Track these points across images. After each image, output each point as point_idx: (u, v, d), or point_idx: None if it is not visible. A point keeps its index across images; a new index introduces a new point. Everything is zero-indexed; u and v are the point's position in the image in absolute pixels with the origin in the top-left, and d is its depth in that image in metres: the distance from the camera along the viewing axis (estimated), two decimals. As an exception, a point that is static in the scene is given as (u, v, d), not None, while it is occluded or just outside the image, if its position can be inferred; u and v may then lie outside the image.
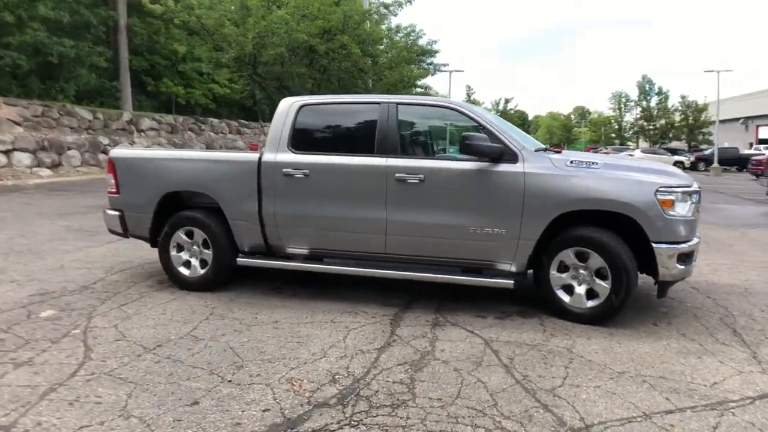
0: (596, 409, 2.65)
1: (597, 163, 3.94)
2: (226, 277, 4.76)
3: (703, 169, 30.72)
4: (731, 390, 2.86)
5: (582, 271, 3.91)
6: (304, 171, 4.33)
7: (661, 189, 3.71)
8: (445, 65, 16.32)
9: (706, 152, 33.09)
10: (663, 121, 39.97)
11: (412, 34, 15.53)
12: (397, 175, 4.12)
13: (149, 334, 3.63)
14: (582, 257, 3.87)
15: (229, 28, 11.27)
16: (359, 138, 4.46)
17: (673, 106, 40.40)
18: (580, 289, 3.91)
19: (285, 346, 3.46)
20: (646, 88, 40.76)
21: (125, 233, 5.03)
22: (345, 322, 3.92)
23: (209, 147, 24.27)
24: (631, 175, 3.86)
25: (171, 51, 24.29)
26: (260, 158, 4.50)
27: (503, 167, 3.95)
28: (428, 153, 4.58)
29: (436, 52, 14.29)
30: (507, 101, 68.12)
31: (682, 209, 3.74)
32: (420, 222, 4.12)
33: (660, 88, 40.31)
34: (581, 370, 3.10)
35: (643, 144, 42.56)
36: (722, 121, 39.29)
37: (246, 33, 11.03)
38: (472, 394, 2.79)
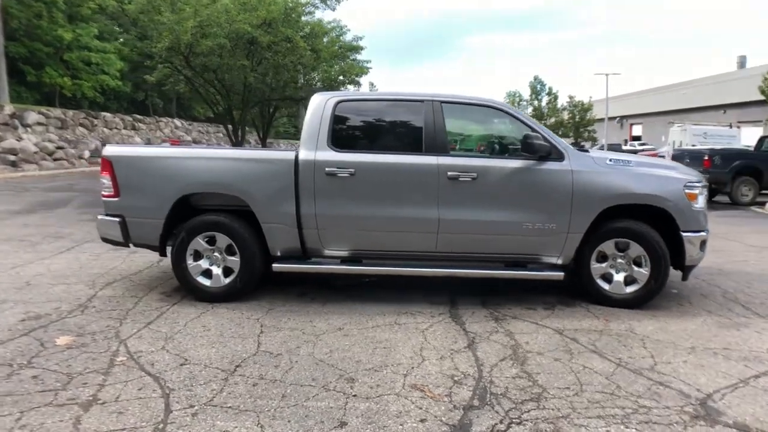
0: (701, 380, 2.99)
1: (630, 162, 4.36)
2: (254, 285, 4.46)
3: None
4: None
5: (620, 260, 4.31)
6: (350, 170, 4.21)
7: (687, 184, 4.23)
8: (368, 62, 16.47)
9: (596, 148, 37.22)
10: (553, 120, 44.23)
11: (336, 29, 15.45)
12: (449, 173, 4.18)
13: (214, 355, 3.30)
14: (621, 247, 4.27)
15: (165, 15, 10.23)
16: (405, 136, 4.43)
17: (561, 105, 44.89)
18: (618, 277, 4.31)
19: (374, 352, 3.37)
20: (537, 89, 44.78)
21: (126, 241, 4.47)
22: (410, 324, 3.90)
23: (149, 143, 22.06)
24: (662, 172, 4.34)
25: (55, 37, 21.46)
26: (296, 157, 4.28)
27: (551, 165, 4.20)
28: (473, 151, 4.68)
29: (362, 48, 14.38)
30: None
31: (702, 201, 4.29)
32: (473, 219, 4.22)
33: (550, 89, 44.58)
34: (659, 349, 3.44)
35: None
36: (602, 120, 44.42)
37: (183, 21, 10.09)
38: (592, 380, 2.98)
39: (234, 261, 4.36)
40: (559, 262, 4.31)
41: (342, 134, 4.35)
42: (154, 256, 5.77)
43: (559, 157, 4.21)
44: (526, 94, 45.44)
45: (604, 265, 4.33)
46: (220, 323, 3.89)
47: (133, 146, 5.85)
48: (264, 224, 4.29)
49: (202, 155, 4.52)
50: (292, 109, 15.29)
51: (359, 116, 4.47)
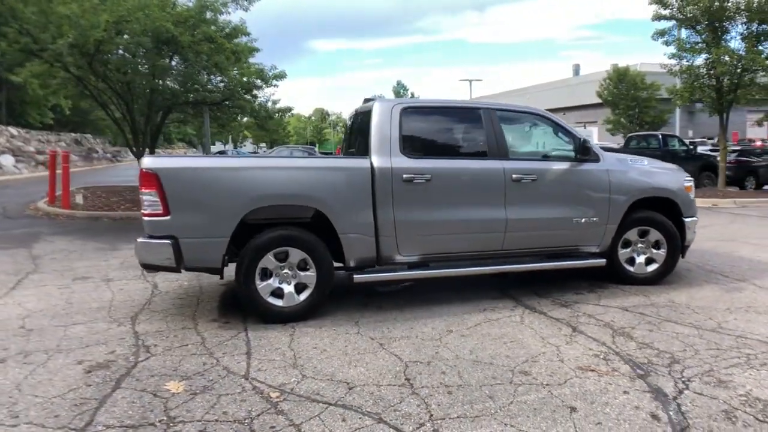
0: (761, 329, 3.88)
1: (643, 161, 5.27)
2: (325, 299, 4.32)
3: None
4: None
5: (640, 245, 5.18)
6: (426, 176, 4.36)
7: (686, 179, 5.28)
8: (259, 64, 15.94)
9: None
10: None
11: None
12: (514, 176, 4.60)
13: (371, 373, 3.22)
14: (642, 234, 5.14)
15: (69, 6, 8.50)
16: (470, 142, 4.73)
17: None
18: (640, 259, 5.19)
19: (509, 347, 3.61)
20: (400, 93, 47.53)
21: (178, 266, 3.98)
22: (502, 318, 4.22)
23: None
24: (666, 169, 5.32)
25: None
26: (371, 164, 4.28)
27: (591, 166, 4.89)
28: (524, 154, 5.10)
29: (257, 50, 13.96)
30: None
31: (693, 192, 5.39)
32: (534, 217, 4.70)
33: (412, 93, 47.63)
34: (708, 313, 4.31)
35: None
36: None
37: (90, 16, 8.48)
38: (693, 342, 3.65)
39: (309, 276, 4.19)
40: (598, 250, 5.02)
41: (411, 141, 4.48)
42: (135, 282, 5.52)
43: (597, 158, 4.92)
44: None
45: (628, 250, 5.17)
46: (327, 342, 3.75)
47: (183, 158, 5.17)
48: (342, 234, 4.21)
49: (276, 165, 4.28)
50: (192, 114, 13.97)
51: (423, 123, 4.64)
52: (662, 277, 5.21)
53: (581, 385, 3.04)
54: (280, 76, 12.02)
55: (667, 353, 3.50)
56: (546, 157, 4.92)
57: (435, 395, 2.93)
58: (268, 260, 4.10)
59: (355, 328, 4.04)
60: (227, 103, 11.94)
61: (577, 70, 60.70)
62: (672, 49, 14.95)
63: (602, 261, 4.99)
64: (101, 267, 6.38)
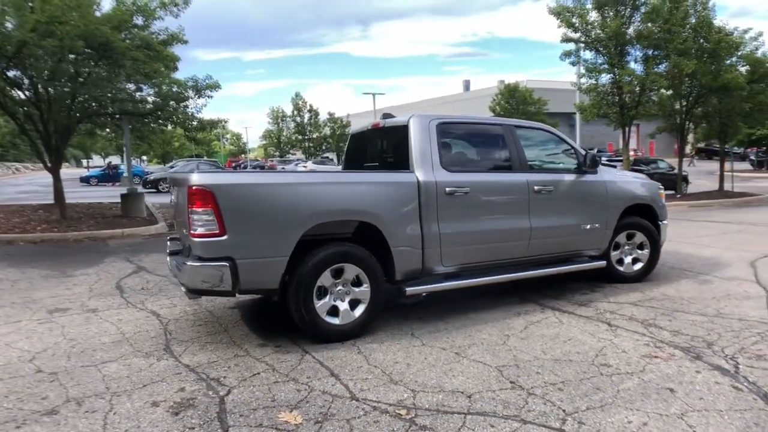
0: (754, 312, 4.68)
1: (627, 173, 6.02)
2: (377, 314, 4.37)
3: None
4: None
5: (627, 247, 5.90)
6: (465, 189, 4.63)
7: (659, 188, 6.13)
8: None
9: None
10: (316, 135, 47.36)
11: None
12: (535, 188, 5.04)
13: (470, 382, 3.40)
14: (629, 237, 5.87)
15: None
16: (497, 156, 5.07)
17: (323, 121, 48.38)
18: (628, 259, 5.92)
19: (572, 344, 4.00)
20: (299, 105, 47.19)
21: (233, 289, 3.79)
22: (543, 320, 4.61)
23: None
24: (645, 180, 6.12)
25: None
26: (417, 178, 4.44)
27: (593, 177, 5.51)
28: (540, 168, 5.50)
29: (178, 59, 13.22)
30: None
31: (664, 199, 6.26)
32: (552, 225, 5.18)
33: (311, 105, 47.54)
34: (702, 302, 5.07)
35: (301, 155, 49.22)
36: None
37: (11, 15, 7.25)
38: (712, 327, 4.32)
39: (363, 292, 4.23)
40: (596, 254, 5.65)
41: (447, 155, 4.71)
42: (128, 311, 5.25)
43: (596, 170, 5.55)
44: (288, 110, 47.37)
45: (618, 252, 5.87)
46: (402, 356, 3.84)
47: (236, 173, 4.76)
48: (394, 248, 4.32)
49: (333, 180, 4.23)
50: (110, 125, 12.58)
51: (455, 138, 4.90)
52: (646, 274, 5.99)
53: (659, 370, 3.50)
54: (214, 86, 11.51)
55: (699, 337, 4.12)
56: (557, 170, 5.44)
57: (549, 393, 3.19)
58: (326, 277, 4.08)
59: (417, 341, 4.16)
60: (159, 114, 11.13)
61: (467, 85, 65.15)
62: (576, 69, 16.88)
63: (603, 263, 5.63)
64: (69, 296, 5.78)
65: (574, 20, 16.09)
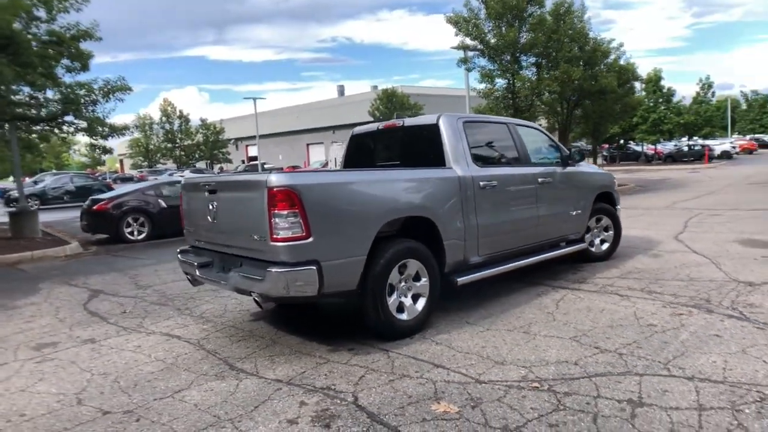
0: (719, 275, 5.72)
1: (592, 166, 6.90)
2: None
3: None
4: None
5: (595, 230, 6.78)
6: (493, 183, 5.03)
7: (615, 178, 7.12)
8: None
9: (239, 169, 40.17)
10: (187, 142, 44.44)
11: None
12: (540, 179, 5.62)
13: (577, 354, 3.78)
14: (598, 220, 6.75)
15: None
16: (508, 151, 5.52)
17: (194, 128, 45.52)
18: (597, 240, 6.79)
19: (619, 315, 4.59)
20: (168, 111, 43.85)
21: (318, 293, 3.74)
22: (571, 297, 5.18)
23: None
24: (605, 171, 7.06)
25: None
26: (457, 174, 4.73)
27: (575, 169, 6.25)
28: (537, 161, 6.00)
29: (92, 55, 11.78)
30: None
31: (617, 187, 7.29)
32: (551, 213, 5.82)
33: (181, 111, 44.47)
34: (670, 272, 6.06)
35: (171, 165, 45.84)
36: (224, 141, 47.83)
37: None
38: (698, 287, 5.25)
39: (422, 286, 4.43)
40: (577, 237, 6.42)
41: (473, 151, 5.06)
42: (132, 336, 5.24)
43: (576, 163, 6.31)
44: (156, 116, 43.88)
45: (589, 235, 6.72)
46: (482, 342, 4.14)
47: (314, 173, 4.26)
48: (446, 242, 4.57)
49: (398, 177, 4.30)
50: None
51: (477, 135, 5.25)
52: (612, 253, 6.95)
53: (693, 324, 4.23)
54: (125, 89, 10.50)
55: (695, 297, 4.99)
56: (550, 163, 6.09)
57: (634, 351, 3.74)
58: (394, 274, 4.20)
59: (477, 327, 4.47)
60: (66, 119, 9.77)
61: (341, 90, 66.26)
62: (465, 76, 18.34)
63: (584, 245, 6.42)
64: (40, 330, 5.27)
65: (470, 29, 17.55)
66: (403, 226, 4.52)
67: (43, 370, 4.09)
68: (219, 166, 48.01)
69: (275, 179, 3.66)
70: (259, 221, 3.73)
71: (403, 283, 4.34)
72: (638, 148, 38.42)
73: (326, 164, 35.95)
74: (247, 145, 67.31)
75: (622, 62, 19.38)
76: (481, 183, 4.94)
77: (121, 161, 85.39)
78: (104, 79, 10.07)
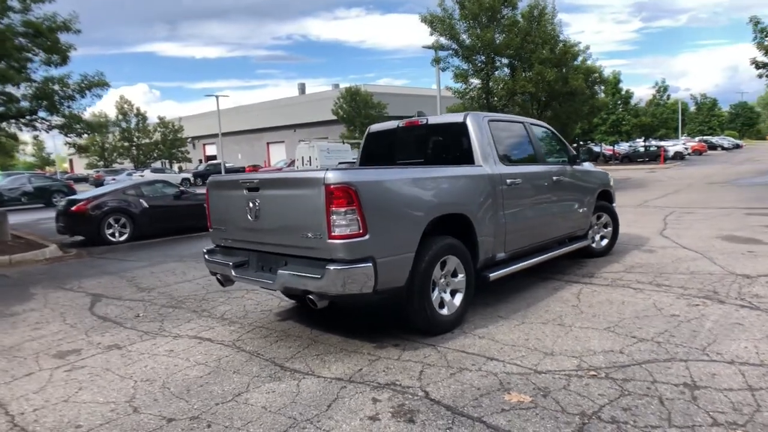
0: (715, 268, 6.13)
1: (592, 165, 7.22)
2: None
3: (202, 183, 36.36)
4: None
5: (596, 227, 7.11)
6: (518, 180, 5.22)
7: (610, 176, 7.47)
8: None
9: (200, 168, 39.27)
10: (145, 141, 42.94)
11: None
12: (554, 177, 5.86)
13: (618, 344, 4.00)
14: (598, 218, 7.07)
15: None
16: (525, 149, 5.72)
17: (152, 126, 44.03)
18: (597, 237, 7.12)
19: (636, 303, 4.85)
20: (124, 108, 42.18)
21: (374, 291, 3.81)
22: (584, 290, 5.44)
23: None
24: (603, 170, 7.39)
25: None
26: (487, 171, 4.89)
27: (580, 168, 6.53)
28: (549, 160, 6.21)
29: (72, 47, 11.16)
30: None
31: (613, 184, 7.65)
32: (563, 211, 6.09)
33: (138, 109, 42.86)
34: (675, 265, 6.43)
35: (129, 165, 44.17)
36: (183, 139, 46.59)
37: None
38: (702, 279, 5.61)
39: (460, 282, 4.56)
40: (581, 234, 6.72)
41: (500, 150, 5.23)
42: (160, 341, 5.26)
43: (581, 162, 6.60)
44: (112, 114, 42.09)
45: (590, 231, 7.03)
46: (522, 335, 4.32)
47: (367, 170, 4.15)
48: (479, 238, 4.72)
49: (440, 175, 4.39)
50: None
51: (500, 134, 5.41)
52: (610, 249, 7.30)
53: (712, 313, 4.55)
54: (103, 84, 10.11)
55: (702, 289, 5.34)
56: (560, 161, 6.34)
57: (669, 339, 4.00)
58: (436, 271, 4.30)
59: (512, 321, 4.65)
60: (32, 117, 9.28)
61: (302, 89, 65.64)
62: (437, 75, 18.62)
63: (589, 241, 6.73)
64: (52, 336, 5.11)
65: (444, 29, 17.83)
66: (438, 224, 4.65)
67: (78, 378, 3.97)
68: (178, 165, 46.64)
69: (332, 176, 3.69)
70: (314, 219, 3.76)
71: (443, 279, 4.46)
72: (597, 149, 39.96)
73: (291, 164, 35.53)
74: (204, 144, 65.77)
75: (589, 63, 20.24)
76: (508, 181, 5.12)
77: (71, 161, 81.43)
78: (81, 74, 9.70)
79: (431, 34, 18.16)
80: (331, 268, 3.69)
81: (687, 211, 11.58)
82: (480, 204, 4.77)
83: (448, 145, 5.34)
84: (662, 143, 38.80)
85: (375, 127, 6.13)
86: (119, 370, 4.07)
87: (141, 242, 10.98)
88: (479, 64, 17.45)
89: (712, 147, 56.43)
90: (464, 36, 17.45)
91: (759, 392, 3.11)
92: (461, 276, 4.58)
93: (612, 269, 6.45)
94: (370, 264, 3.76)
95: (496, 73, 17.72)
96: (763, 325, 4.22)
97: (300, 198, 3.90)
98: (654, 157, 37.08)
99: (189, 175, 36.34)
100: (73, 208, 10.39)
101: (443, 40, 17.94)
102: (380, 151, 6.04)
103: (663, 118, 35.15)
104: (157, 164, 44.60)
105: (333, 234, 3.70)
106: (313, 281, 3.77)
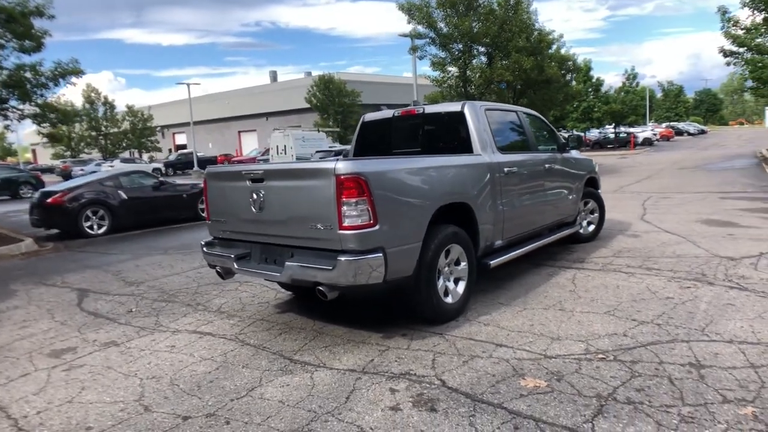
0: (700, 251, 6.32)
1: (578, 153, 7.32)
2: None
3: (173, 173, 35.56)
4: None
5: (583, 213, 7.24)
6: (514, 168, 5.27)
7: (595, 162, 7.59)
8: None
9: (171, 158, 38.39)
10: (114, 130, 41.59)
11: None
12: (546, 165, 5.93)
13: (620, 328, 4.10)
14: (585, 204, 7.20)
15: None
16: (519, 137, 5.76)
17: (121, 115, 42.63)
18: (585, 222, 7.26)
19: (628, 288, 4.98)
20: (92, 97, 40.62)
21: (384, 281, 3.80)
22: (581, 276, 5.53)
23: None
24: (588, 157, 7.51)
25: None
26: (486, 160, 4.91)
27: (568, 155, 6.62)
28: (540, 147, 6.25)
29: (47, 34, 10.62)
30: None
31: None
32: (554, 198, 6.18)
33: (106, 98, 41.35)
34: (662, 249, 6.61)
35: (97, 155, 42.71)
36: (152, 128, 45.39)
37: None
38: (689, 263, 5.79)
39: (462, 270, 4.60)
40: (571, 220, 6.84)
41: (497, 138, 5.26)
42: (159, 336, 5.22)
43: (569, 150, 6.69)
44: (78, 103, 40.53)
45: (578, 217, 7.17)
46: (527, 321, 4.38)
47: (376, 160, 4.05)
48: (481, 226, 4.75)
49: (444, 164, 4.38)
50: None
51: (496, 122, 5.44)
52: (596, 234, 7.46)
53: (704, 295, 4.71)
54: (77, 72, 9.72)
55: (690, 272, 5.52)
56: (551, 149, 6.41)
57: (668, 321, 4.13)
58: (441, 259, 4.32)
59: (514, 308, 4.72)
60: (13, 104, 8.85)
61: (274, 76, 64.55)
62: (413, 62, 18.60)
63: (578, 228, 6.85)
64: (43, 334, 4.98)
65: (422, 17, 17.76)
66: (442, 213, 4.65)
67: (79, 378, 3.86)
68: (150, 155, 45.37)
69: (343, 166, 3.66)
70: (324, 209, 3.72)
71: (447, 268, 4.49)
72: (566, 136, 40.71)
73: (265, 152, 34.99)
74: (174, 133, 64.23)
75: (563, 52, 20.52)
76: (505, 169, 5.16)
77: (34, 151, 78.31)
78: (55, 61, 9.29)
79: (409, 23, 18.12)
80: (343, 259, 3.66)
81: (663, 196, 11.91)
82: (480, 192, 4.79)
83: (446, 134, 5.34)
84: (632, 130, 39.78)
85: (369, 116, 6.08)
86: (121, 368, 3.98)
87: (120, 235, 10.71)
88: (456, 53, 17.49)
89: (679, 133, 58.11)
90: (442, 24, 17.45)
91: (761, 369, 3.24)
92: (464, 264, 4.61)
93: (601, 254, 6.59)
94: (381, 254, 3.75)
95: (474, 61, 17.80)
96: (754, 305, 4.39)
97: (309, 189, 3.85)
98: (624, 143, 37.97)
99: (160, 165, 35.43)
100: (49, 200, 10.03)
101: (420, 29, 17.91)
102: (375, 140, 6.00)
103: (633, 105, 35.97)
104: (126, 154, 43.36)
105: (344, 225, 3.67)
106: (323, 272, 3.73)
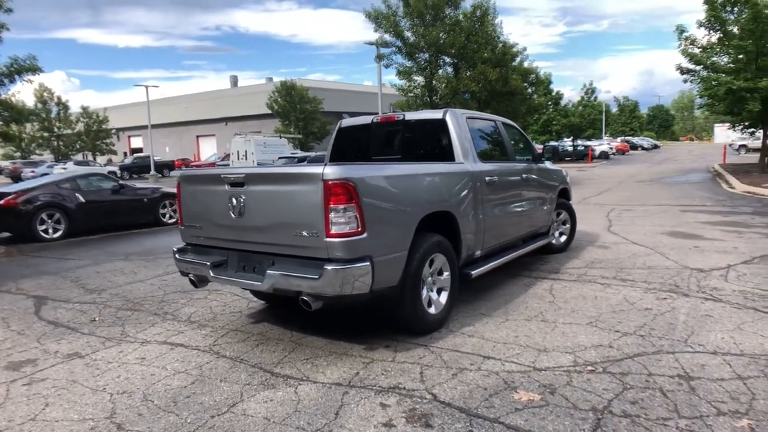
0: (668, 263, 6.46)
1: (550, 163, 7.40)
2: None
3: (129, 177, 34.27)
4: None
5: (556, 224, 7.31)
6: (495, 178, 5.24)
7: (566, 173, 7.69)
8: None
9: (127, 161, 36.96)
10: (67, 132, 39.73)
11: None
12: (523, 175, 5.94)
13: (606, 340, 4.08)
14: (558, 215, 7.27)
15: None
16: (500, 147, 5.74)
17: (75, 116, 40.74)
18: (557, 233, 7.32)
19: (604, 298, 5.01)
20: (44, 97, 38.65)
21: (370, 291, 3.67)
22: (558, 287, 5.54)
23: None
24: (560, 168, 7.60)
25: None
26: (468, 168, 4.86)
27: (542, 166, 6.67)
28: (517, 157, 6.24)
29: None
30: None
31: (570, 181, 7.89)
32: (530, 208, 6.18)
33: (59, 98, 39.50)
34: (633, 260, 6.72)
35: (48, 156, 40.65)
36: (107, 130, 43.75)
37: None
38: (660, 273, 5.90)
39: (445, 280, 4.52)
40: (545, 231, 6.88)
41: (478, 147, 5.22)
42: (127, 348, 5.02)
43: (543, 160, 6.74)
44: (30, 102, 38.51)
45: (550, 228, 7.22)
46: (512, 331, 4.33)
47: (364, 165, 3.75)
48: (463, 235, 4.68)
49: (430, 171, 4.27)
50: None
51: (477, 131, 5.40)
52: (568, 245, 7.54)
53: (682, 307, 4.78)
54: (34, 69, 9.17)
55: (664, 283, 5.61)
56: (526, 159, 6.44)
57: (651, 332, 4.15)
58: (426, 269, 4.21)
59: (496, 319, 4.66)
60: None
61: (235, 81, 63.43)
62: (379, 70, 18.65)
63: (551, 238, 6.90)
64: (8, 344, 4.54)
65: (389, 26, 17.79)
66: (426, 222, 4.55)
67: (41, 392, 3.54)
68: (108, 158, 43.60)
69: (331, 171, 3.50)
70: (310, 216, 3.56)
71: (430, 278, 4.39)
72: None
73: (225, 158, 34.19)
74: (129, 136, 62.09)
75: (526, 65, 20.97)
76: (486, 178, 5.12)
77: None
78: (11, 57, 8.73)
79: (375, 30, 18.11)
80: (329, 267, 3.50)
81: (626, 208, 12.24)
82: (463, 201, 4.73)
83: (426, 141, 5.27)
84: (589, 143, 41.04)
85: (347, 122, 5.94)
86: (88, 382, 3.68)
87: (78, 239, 10.13)
88: (423, 63, 17.59)
89: (634, 147, 60.41)
90: (408, 33, 17.53)
91: (749, 381, 3.27)
92: (446, 274, 4.52)
93: (574, 265, 6.65)
94: (368, 263, 3.61)
95: (440, 71, 17.95)
96: (731, 316, 4.48)
97: (293, 194, 3.67)
98: (581, 156, 39.09)
99: (116, 168, 34.04)
100: (1, 202, 9.39)
101: (387, 37, 17.93)
102: (353, 146, 5.86)
103: (591, 118, 37.14)
104: (79, 156, 41.52)
105: (331, 232, 3.51)
106: (308, 282, 3.56)
